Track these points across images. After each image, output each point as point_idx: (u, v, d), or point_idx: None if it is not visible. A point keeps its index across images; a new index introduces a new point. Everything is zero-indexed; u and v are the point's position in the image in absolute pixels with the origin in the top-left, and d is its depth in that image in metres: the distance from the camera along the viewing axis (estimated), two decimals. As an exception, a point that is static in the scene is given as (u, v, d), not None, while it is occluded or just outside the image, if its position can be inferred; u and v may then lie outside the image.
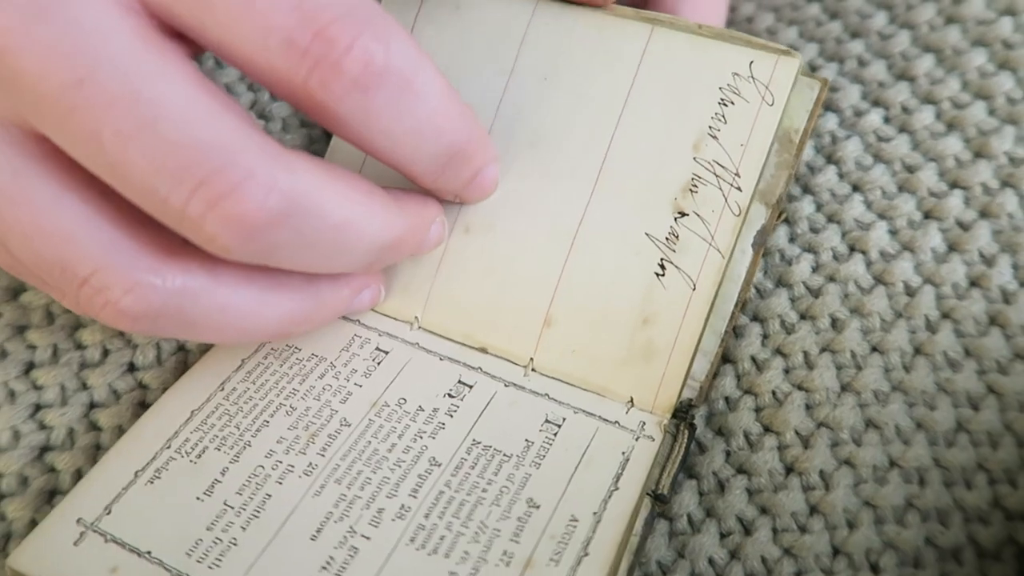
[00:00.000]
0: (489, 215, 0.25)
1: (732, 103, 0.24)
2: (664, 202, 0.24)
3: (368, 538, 0.20)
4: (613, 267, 0.24)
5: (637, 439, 0.22)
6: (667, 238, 0.24)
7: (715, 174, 0.24)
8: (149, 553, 0.20)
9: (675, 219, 0.24)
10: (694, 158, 0.24)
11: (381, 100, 0.19)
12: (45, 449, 0.23)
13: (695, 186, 0.24)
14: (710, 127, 0.24)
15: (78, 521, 0.21)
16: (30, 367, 0.24)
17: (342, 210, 0.19)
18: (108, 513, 0.21)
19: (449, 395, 0.23)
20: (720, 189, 0.23)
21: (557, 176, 0.25)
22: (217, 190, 0.17)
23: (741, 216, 0.23)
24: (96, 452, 0.23)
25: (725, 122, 0.24)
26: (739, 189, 0.23)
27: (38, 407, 0.24)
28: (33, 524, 0.22)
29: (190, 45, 0.19)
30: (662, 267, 0.24)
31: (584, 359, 0.24)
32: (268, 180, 0.18)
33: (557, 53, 0.25)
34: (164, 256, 0.19)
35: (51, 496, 0.23)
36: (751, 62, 0.24)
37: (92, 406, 0.24)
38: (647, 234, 0.24)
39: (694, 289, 0.23)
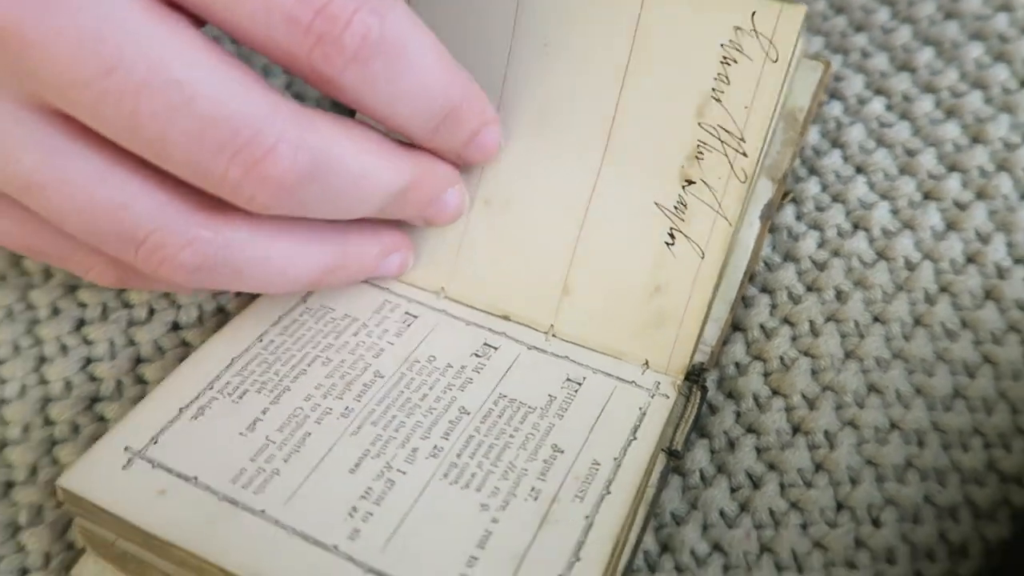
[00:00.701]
0: (506, 189, 0.26)
1: (735, 61, 0.23)
2: (671, 171, 0.24)
3: (404, 472, 0.22)
4: (625, 237, 0.25)
5: (653, 396, 0.24)
6: (675, 207, 0.24)
7: (720, 139, 0.24)
8: (196, 479, 0.21)
9: (683, 188, 0.24)
10: (699, 123, 0.24)
11: (377, 68, 0.20)
12: (95, 400, 0.25)
13: (701, 153, 0.24)
14: (713, 89, 0.24)
15: (125, 449, 0.21)
16: (81, 323, 0.26)
17: (360, 162, 0.21)
18: (155, 443, 0.22)
19: (476, 355, 0.25)
20: (726, 155, 0.24)
21: (566, 148, 0.25)
22: (252, 156, 0.19)
23: (747, 183, 0.24)
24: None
25: (728, 83, 0.23)
26: (744, 155, 0.24)
27: (88, 360, 0.25)
28: None
29: (191, 17, 0.19)
30: (671, 236, 0.25)
31: (601, 325, 0.25)
32: (296, 141, 0.19)
33: (555, 16, 0.25)
34: (212, 213, 0.20)
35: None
36: (753, 13, 0.23)
37: (139, 361, 0.25)
38: (656, 203, 0.25)
39: (703, 257, 0.24)
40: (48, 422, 0.24)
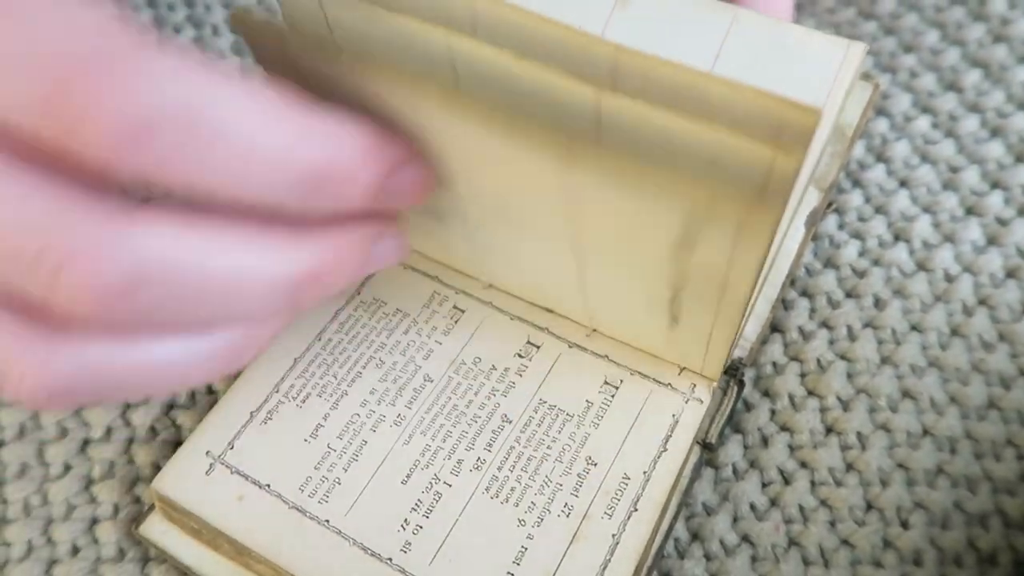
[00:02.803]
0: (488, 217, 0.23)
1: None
2: (658, 284, 0.21)
3: (450, 485, 0.23)
4: (627, 304, 0.23)
5: (687, 402, 0.25)
6: (671, 301, 0.22)
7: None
8: (268, 486, 0.23)
9: (671, 297, 0.21)
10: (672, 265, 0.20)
11: (163, 148, 0.15)
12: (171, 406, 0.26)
13: (683, 285, 0.21)
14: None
15: (207, 453, 0.23)
16: None
17: (219, 260, 0.17)
18: (231, 448, 0.23)
19: (519, 355, 0.26)
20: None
21: (534, 237, 0.22)
22: (51, 265, 0.16)
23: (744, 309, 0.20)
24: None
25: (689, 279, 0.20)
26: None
27: None
28: (156, 468, 0.25)
29: None
30: (675, 319, 0.23)
31: (633, 335, 0.25)
32: (99, 248, 0.16)
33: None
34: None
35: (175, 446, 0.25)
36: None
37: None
38: (648, 296, 0.22)
39: (710, 337, 0.23)
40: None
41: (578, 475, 0.23)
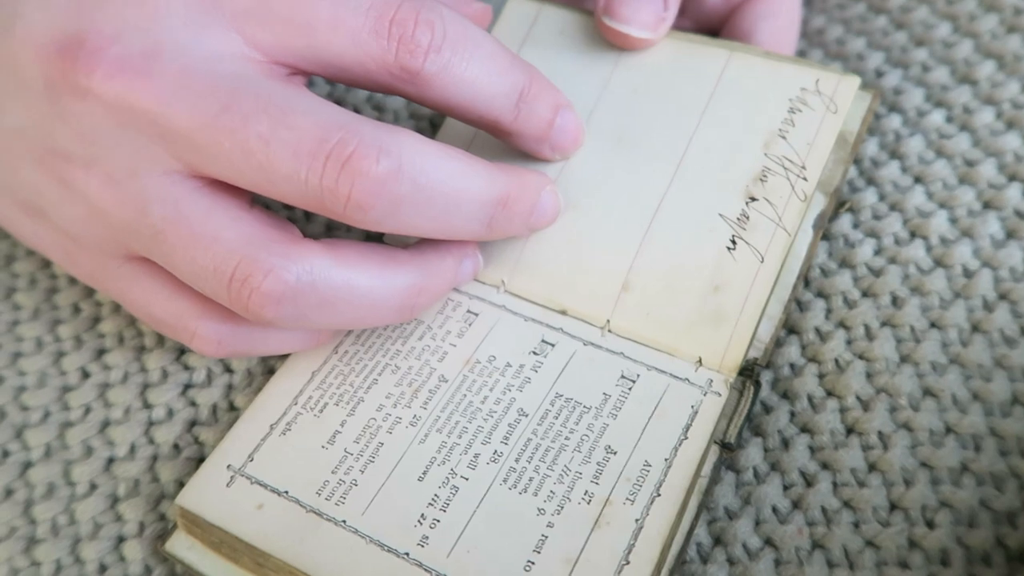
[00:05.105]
0: (576, 193, 0.27)
1: (800, 110, 0.27)
2: (737, 190, 0.27)
3: (467, 479, 0.23)
4: (688, 241, 0.26)
5: (705, 395, 0.25)
6: (738, 219, 0.26)
7: (783, 167, 0.27)
8: (287, 492, 0.23)
9: (746, 203, 0.26)
10: (765, 154, 0.27)
11: (448, 55, 0.23)
12: (187, 386, 0.27)
13: (765, 176, 0.27)
14: (780, 129, 0.27)
15: (228, 467, 0.24)
16: (182, 352, 0.28)
17: (445, 169, 0.23)
18: (251, 460, 0.24)
19: (534, 353, 0.26)
20: (788, 179, 0.27)
21: (640, 167, 0.28)
22: (342, 156, 0.21)
23: (806, 202, 0.26)
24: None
25: (794, 126, 0.27)
26: (805, 179, 0.26)
27: (187, 386, 0.27)
28: (180, 485, 0.25)
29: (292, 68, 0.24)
30: (733, 242, 0.26)
31: (657, 321, 0.26)
32: (380, 148, 0.22)
33: (646, 71, 0.29)
34: (291, 243, 0.22)
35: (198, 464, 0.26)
36: (817, 80, 0.27)
37: (231, 387, 0.27)
38: (720, 215, 0.26)
39: (762, 262, 0.26)
40: (147, 405, 0.26)
41: (598, 463, 0.23)
